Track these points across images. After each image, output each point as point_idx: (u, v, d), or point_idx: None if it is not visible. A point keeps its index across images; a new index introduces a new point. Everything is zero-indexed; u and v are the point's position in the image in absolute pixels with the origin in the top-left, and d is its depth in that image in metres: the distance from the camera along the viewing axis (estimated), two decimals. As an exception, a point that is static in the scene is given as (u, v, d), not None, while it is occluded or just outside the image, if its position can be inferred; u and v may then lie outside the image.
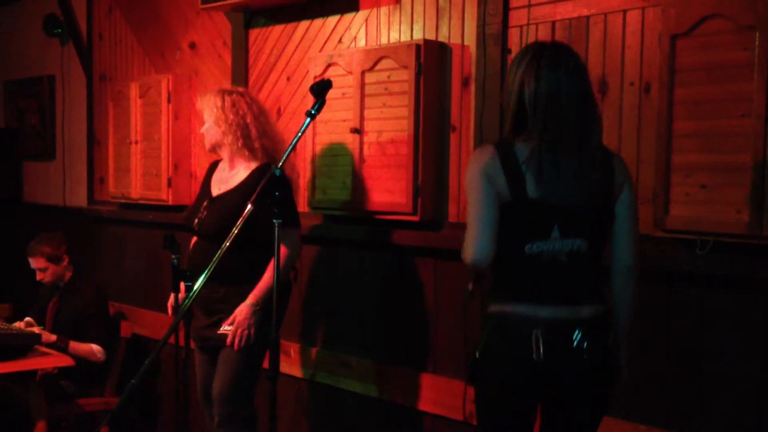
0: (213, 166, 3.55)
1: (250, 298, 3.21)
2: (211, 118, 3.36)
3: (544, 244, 2.25)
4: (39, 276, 4.54)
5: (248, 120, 3.34)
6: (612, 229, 2.35)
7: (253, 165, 3.35)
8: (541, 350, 2.23)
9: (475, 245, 2.23)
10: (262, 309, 3.20)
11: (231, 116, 3.32)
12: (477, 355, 2.35)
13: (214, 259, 2.56)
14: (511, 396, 2.32)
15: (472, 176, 2.27)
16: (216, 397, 3.28)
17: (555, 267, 2.26)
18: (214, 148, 3.42)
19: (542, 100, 2.24)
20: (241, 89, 3.49)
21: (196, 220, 3.39)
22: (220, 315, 3.28)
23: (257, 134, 3.35)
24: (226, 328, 3.24)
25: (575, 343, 2.25)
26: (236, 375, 3.26)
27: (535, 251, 2.25)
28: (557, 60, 2.27)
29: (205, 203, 3.40)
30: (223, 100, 3.34)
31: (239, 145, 3.33)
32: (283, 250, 3.18)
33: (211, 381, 3.37)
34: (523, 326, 2.25)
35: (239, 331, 3.19)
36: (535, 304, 2.26)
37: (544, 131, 2.24)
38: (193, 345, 3.35)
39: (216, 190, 3.42)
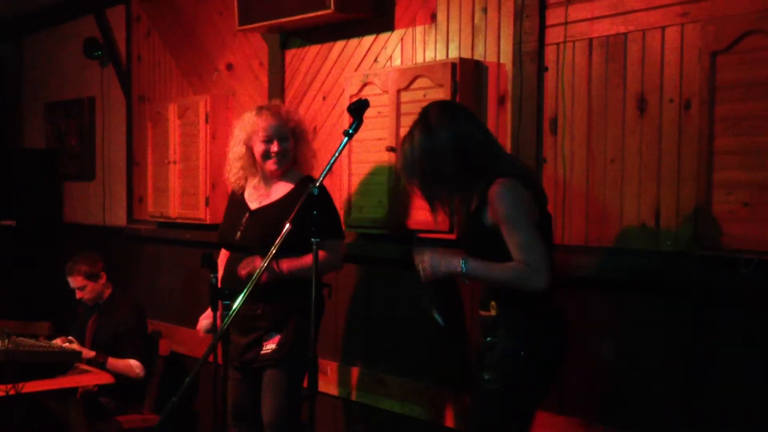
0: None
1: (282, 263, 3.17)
2: (291, 135, 3.34)
3: None
4: (78, 294, 4.60)
5: (307, 133, 3.43)
6: None
7: (292, 177, 3.35)
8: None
9: (550, 274, 2.49)
10: (301, 315, 3.18)
11: (304, 129, 3.41)
12: (535, 354, 2.56)
13: (254, 276, 2.56)
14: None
15: (526, 213, 2.52)
16: (268, 423, 3.27)
17: None
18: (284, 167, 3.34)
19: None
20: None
21: (238, 234, 3.34)
22: (258, 333, 3.28)
23: (310, 146, 3.41)
24: (269, 347, 3.23)
25: None
26: (285, 397, 3.25)
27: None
28: None
29: (245, 217, 3.36)
30: (290, 113, 3.39)
31: (304, 159, 3.40)
32: (323, 254, 3.07)
33: (243, 400, 3.36)
34: (561, 320, 2.66)
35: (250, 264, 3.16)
36: None
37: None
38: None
39: (254, 204, 3.38)
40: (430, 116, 2.64)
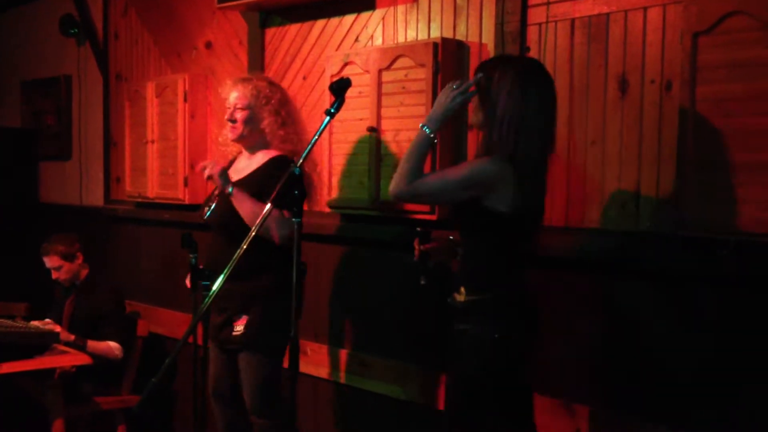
0: (233, 160, 3.50)
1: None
2: (252, 104, 3.29)
3: None
4: (54, 275, 4.56)
5: (281, 107, 3.34)
6: None
7: (263, 156, 3.32)
8: None
9: (408, 196, 2.71)
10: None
11: (272, 102, 3.32)
12: (505, 339, 2.56)
13: (234, 257, 2.52)
14: None
15: (473, 177, 2.54)
16: (249, 406, 3.29)
17: None
18: (243, 137, 3.33)
19: None
20: (266, 76, 3.51)
21: (206, 210, 3.31)
22: (227, 313, 3.27)
23: (288, 122, 3.35)
24: (238, 328, 3.23)
25: None
26: (261, 380, 3.25)
27: None
28: None
29: (216, 193, 3.31)
30: (259, 87, 3.32)
31: (271, 133, 3.31)
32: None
33: (222, 377, 3.38)
34: (529, 304, 2.69)
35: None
36: None
37: None
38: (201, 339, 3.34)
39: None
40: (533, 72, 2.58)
